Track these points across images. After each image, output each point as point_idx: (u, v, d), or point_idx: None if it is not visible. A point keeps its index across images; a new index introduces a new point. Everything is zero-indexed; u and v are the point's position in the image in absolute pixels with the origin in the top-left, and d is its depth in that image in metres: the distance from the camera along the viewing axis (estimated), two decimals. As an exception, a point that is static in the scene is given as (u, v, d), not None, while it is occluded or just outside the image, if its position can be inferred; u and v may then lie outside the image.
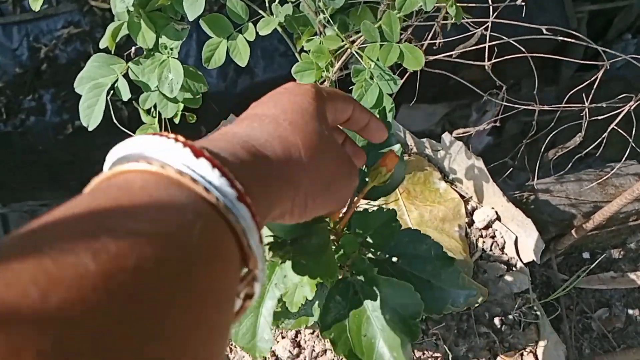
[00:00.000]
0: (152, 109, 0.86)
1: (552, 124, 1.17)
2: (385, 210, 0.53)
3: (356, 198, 0.45)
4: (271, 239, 0.41)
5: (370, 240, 0.53)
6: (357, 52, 0.60)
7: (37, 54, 1.43)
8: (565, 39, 0.79)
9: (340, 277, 0.49)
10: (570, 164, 1.14)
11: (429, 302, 0.49)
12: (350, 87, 0.62)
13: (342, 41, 0.60)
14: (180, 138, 0.24)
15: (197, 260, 0.20)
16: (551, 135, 1.07)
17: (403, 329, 0.42)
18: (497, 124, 1.21)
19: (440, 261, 0.54)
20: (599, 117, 1.09)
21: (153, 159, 0.23)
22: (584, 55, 1.58)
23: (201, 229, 0.21)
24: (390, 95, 0.62)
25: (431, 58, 0.78)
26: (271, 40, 1.48)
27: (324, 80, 0.76)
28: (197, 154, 0.23)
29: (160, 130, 0.86)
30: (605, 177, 1.01)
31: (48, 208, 0.19)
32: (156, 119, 0.87)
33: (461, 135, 1.03)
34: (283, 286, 0.44)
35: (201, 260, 0.20)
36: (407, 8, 0.54)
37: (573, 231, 1.09)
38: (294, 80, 0.64)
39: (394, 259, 0.54)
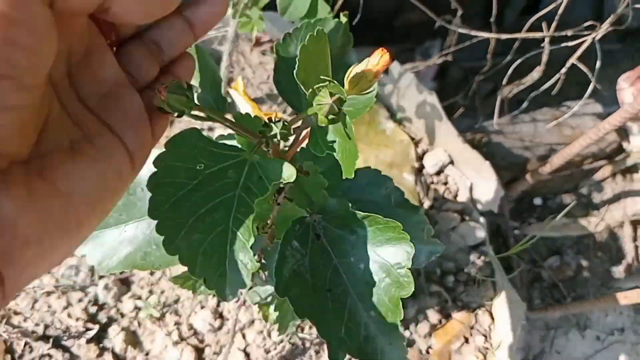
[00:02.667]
0: None
1: (508, 59, 1.06)
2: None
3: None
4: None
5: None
6: None
7: None
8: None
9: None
10: (526, 103, 1.04)
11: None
12: None
13: None
14: None
15: None
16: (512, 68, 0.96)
17: (386, 280, 0.32)
18: (441, 64, 1.10)
19: (402, 210, 0.44)
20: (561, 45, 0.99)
21: None
22: None
23: None
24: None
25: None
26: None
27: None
28: None
29: None
30: (562, 118, 0.91)
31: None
32: None
33: (410, 70, 0.91)
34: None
35: None
36: None
37: (528, 176, 1.00)
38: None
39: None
